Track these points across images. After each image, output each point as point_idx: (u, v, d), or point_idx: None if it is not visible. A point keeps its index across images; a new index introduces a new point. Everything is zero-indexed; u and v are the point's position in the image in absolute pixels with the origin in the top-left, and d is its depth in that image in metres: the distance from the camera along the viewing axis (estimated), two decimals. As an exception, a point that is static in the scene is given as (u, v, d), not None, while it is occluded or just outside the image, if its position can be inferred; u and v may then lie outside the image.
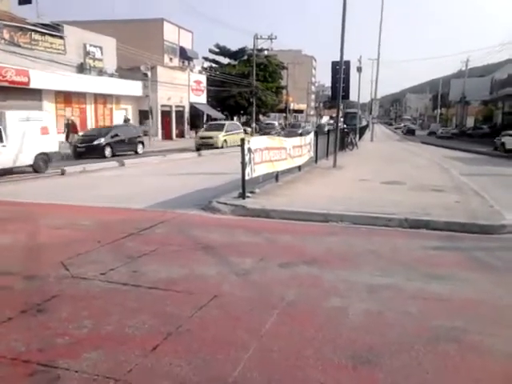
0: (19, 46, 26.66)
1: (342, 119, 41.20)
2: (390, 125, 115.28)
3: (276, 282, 4.56)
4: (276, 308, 3.89)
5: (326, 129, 30.86)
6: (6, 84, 23.99)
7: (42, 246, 5.77)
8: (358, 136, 31.03)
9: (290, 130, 37.75)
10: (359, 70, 39.51)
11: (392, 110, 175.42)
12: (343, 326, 3.61)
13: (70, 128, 24.86)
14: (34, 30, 28.39)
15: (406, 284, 4.55)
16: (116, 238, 6.02)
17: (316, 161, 14.54)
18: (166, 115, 38.77)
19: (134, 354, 3.12)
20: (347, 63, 14.11)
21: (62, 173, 13.60)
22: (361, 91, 40.66)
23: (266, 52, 54.40)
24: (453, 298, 4.22)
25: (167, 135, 38.34)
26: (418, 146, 35.36)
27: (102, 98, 33.48)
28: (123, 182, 12.29)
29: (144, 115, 35.20)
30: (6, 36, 26.35)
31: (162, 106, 38.43)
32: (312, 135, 13.84)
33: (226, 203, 7.82)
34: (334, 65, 13.73)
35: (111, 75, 34.55)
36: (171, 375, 2.89)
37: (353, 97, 22.55)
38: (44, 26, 29.45)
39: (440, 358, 3.15)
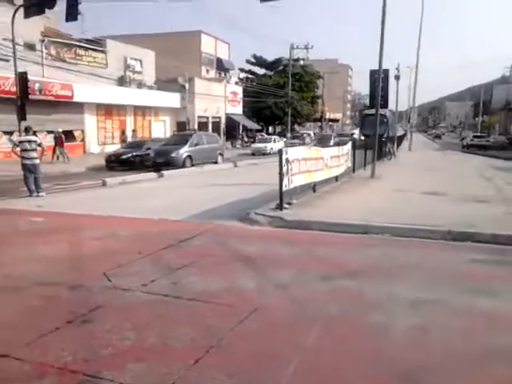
0: (64, 61, 27.77)
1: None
2: (425, 132, 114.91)
3: (316, 295, 4.50)
4: (317, 322, 3.83)
5: (332, 141, 30.52)
6: (51, 98, 25.00)
7: (85, 257, 5.92)
8: (395, 145, 30.44)
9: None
10: (397, 78, 38.85)
11: (430, 118, 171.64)
12: (387, 342, 3.52)
13: (58, 141, 23.55)
14: (78, 46, 29.53)
15: (451, 299, 4.39)
16: (156, 250, 6.11)
17: (354, 171, 14.37)
18: (202, 126, 39.37)
19: (176, 366, 3.14)
20: (386, 72, 13.94)
21: (103, 184, 13.98)
22: (398, 100, 39.81)
23: (301, 62, 54.53)
24: (501, 315, 4.04)
25: (204, 146, 38.81)
26: (458, 154, 34.40)
27: (141, 110, 34.37)
28: (161, 193, 12.50)
29: (181, 127, 35.84)
30: (53, 52, 27.50)
31: (199, 117, 39.06)
32: (349, 145, 13.69)
33: (263, 214, 7.81)
34: (373, 73, 13.59)
35: (150, 87, 35.45)
36: (213, 389, 2.88)
37: (390, 105, 23.20)
38: (88, 41, 30.60)
39: (489, 377, 3.01)
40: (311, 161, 9.73)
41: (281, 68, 55.20)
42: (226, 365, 3.17)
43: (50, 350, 3.40)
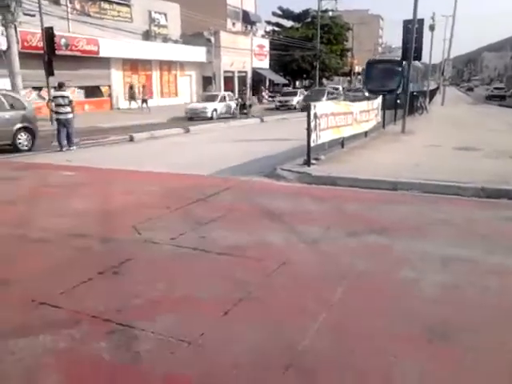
0: (89, 15, 27.48)
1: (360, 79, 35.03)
2: (458, 85, 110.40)
3: (345, 251, 4.47)
4: (345, 278, 3.82)
5: (326, 96, 27.30)
6: (78, 53, 24.95)
7: (114, 211, 6.01)
8: (427, 99, 29.37)
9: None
10: (432, 28, 36.98)
11: (466, 70, 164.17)
12: (417, 299, 3.48)
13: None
14: (103, 0, 29.07)
15: (484, 257, 4.29)
16: (184, 204, 6.15)
17: (384, 126, 13.99)
18: (228, 81, 38.80)
19: (206, 318, 3.19)
20: (420, 21, 13.21)
21: (131, 139, 14.07)
22: (432, 52, 38.02)
23: (330, 13, 52.49)
24: (537, 274, 3.94)
25: (230, 101, 38.41)
26: (494, 108, 33.06)
27: (166, 65, 34.01)
28: (188, 148, 12.51)
29: (207, 81, 35.41)
30: (78, 6, 27.19)
31: (225, 71, 38.44)
32: (380, 99, 13.26)
33: (290, 170, 7.73)
34: (406, 24, 12.91)
35: (175, 42, 34.91)
36: (242, 341, 2.93)
37: (423, 58, 21.48)
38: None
39: (524, 337, 2.96)
40: (340, 116, 9.48)
41: (309, 20, 53.23)
42: (253, 318, 3.21)
43: (84, 299, 3.51)
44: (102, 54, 26.91)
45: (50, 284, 3.78)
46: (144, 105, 26.87)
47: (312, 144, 7.98)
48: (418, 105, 22.22)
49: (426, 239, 4.80)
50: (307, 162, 7.96)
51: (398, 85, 24.28)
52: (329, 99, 24.16)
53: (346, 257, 4.30)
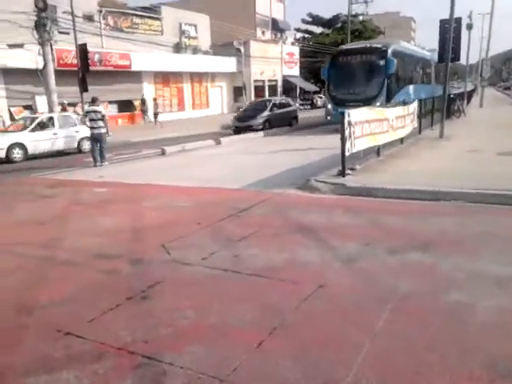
0: (122, 30, 28.03)
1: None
2: (494, 85, 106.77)
3: (386, 270, 4.15)
4: (388, 302, 3.50)
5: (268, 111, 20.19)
6: (111, 68, 25.43)
7: (144, 228, 5.88)
8: (465, 102, 28.27)
9: None
10: (469, 27, 35.74)
11: (504, 69, 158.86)
12: (471, 326, 3.14)
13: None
14: (134, 14, 29.65)
15: (543, 276, 3.88)
16: (215, 220, 5.96)
17: (420, 131, 13.48)
18: (259, 90, 38.80)
19: (238, 350, 2.95)
20: (458, 20, 12.65)
21: (163, 152, 14.07)
22: (469, 51, 36.80)
23: (361, 17, 51.82)
24: None
25: (261, 110, 38.38)
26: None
27: (197, 77, 34.30)
28: (220, 160, 12.37)
29: (238, 91, 35.48)
30: (111, 22, 27.80)
31: (255, 80, 38.47)
32: (415, 104, 12.78)
33: (324, 182, 7.44)
34: (443, 23, 12.40)
35: (206, 53, 35.20)
36: (279, 377, 2.67)
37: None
38: (143, 9, 30.66)
39: None
40: (375, 122, 9.12)
41: (339, 25, 52.74)
42: (290, 349, 2.94)
43: (111, 328, 3.34)
44: (134, 68, 27.36)
45: (77, 311, 3.63)
46: (156, 119, 26.68)
47: (347, 153, 7.66)
48: (456, 108, 21.40)
49: (474, 255, 4.42)
50: (342, 173, 7.65)
51: (380, 90, 16.48)
52: (272, 112, 20.40)
53: (387, 277, 3.98)
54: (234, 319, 3.37)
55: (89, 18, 25.91)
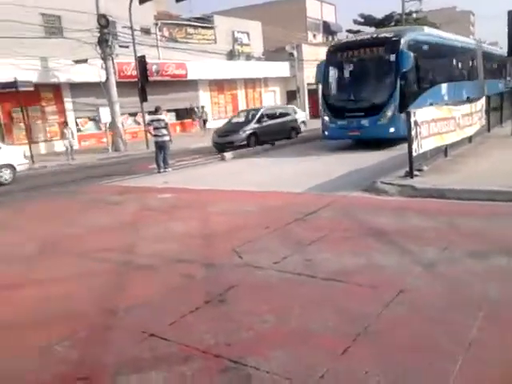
0: (177, 41, 28.81)
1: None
2: None
3: (469, 276, 3.93)
4: (480, 309, 3.31)
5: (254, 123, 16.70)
6: (168, 78, 26.12)
7: (212, 233, 5.94)
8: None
9: None
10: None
11: None
12: None
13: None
14: (188, 25, 30.40)
15: None
16: (282, 224, 5.93)
17: (489, 129, 12.83)
18: (312, 94, 38.46)
19: (323, 356, 2.89)
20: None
21: (222, 158, 14.27)
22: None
23: (414, 15, 50.32)
24: None
25: (314, 113, 38.05)
26: None
27: (251, 83, 34.55)
28: (278, 165, 12.35)
29: (291, 95, 35.42)
30: (166, 33, 28.65)
31: (308, 84, 38.16)
32: (483, 100, 12.18)
33: (391, 183, 7.22)
34: (511, 15, 11.73)
35: (258, 59, 35.44)
36: (368, 386, 2.59)
37: None
38: (196, 19, 31.38)
39: None
40: (441, 121, 8.76)
41: (392, 25, 51.48)
42: (378, 357, 2.84)
43: (192, 330, 3.38)
44: (189, 77, 27.95)
45: (158, 313, 3.71)
46: (205, 126, 26.90)
47: (414, 154, 7.41)
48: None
49: None
50: (410, 174, 7.40)
51: (390, 95, 12.39)
52: (260, 124, 16.87)
53: (473, 283, 3.77)
54: (314, 324, 3.31)
55: (146, 31, 26.81)
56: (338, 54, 13.78)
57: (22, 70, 17.92)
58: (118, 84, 20.37)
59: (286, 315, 3.50)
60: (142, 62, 20.24)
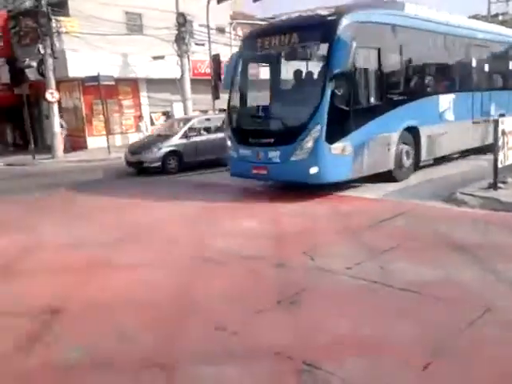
0: (250, 41, 29.11)
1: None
2: None
3: None
4: None
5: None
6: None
7: (284, 234, 5.89)
8: None
9: None
10: None
11: None
12: None
13: None
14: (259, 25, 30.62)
15: None
16: (355, 229, 5.79)
17: None
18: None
19: (403, 369, 2.77)
20: None
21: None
22: None
23: (500, 17, 47.58)
24: None
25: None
26: None
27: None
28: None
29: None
30: (240, 33, 29.04)
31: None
32: None
33: (473, 195, 6.82)
34: None
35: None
36: (453, 407, 2.44)
37: None
38: (270, 19, 31.54)
39: None
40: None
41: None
42: (464, 378, 2.68)
43: (265, 330, 3.37)
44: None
45: (231, 309, 3.73)
46: None
47: (499, 165, 6.96)
48: None
49: None
50: (493, 186, 6.95)
51: (313, 115, 7.31)
52: (187, 140, 12.38)
53: None
54: (391, 335, 3.19)
55: (221, 30, 27.33)
56: (252, 45, 8.67)
57: (104, 64, 18.88)
58: (192, 81, 20.91)
59: (361, 322, 3.39)
60: (216, 59, 20.63)
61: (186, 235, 6.10)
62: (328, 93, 7.19)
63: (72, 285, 4.43)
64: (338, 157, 7.44)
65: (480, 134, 10.86)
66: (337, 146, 7.41)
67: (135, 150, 12.93)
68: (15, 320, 3.74)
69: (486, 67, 11.33)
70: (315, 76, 8.12)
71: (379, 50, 8.02)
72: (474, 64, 10.86)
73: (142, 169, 12.47)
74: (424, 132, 9.14)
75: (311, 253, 4.95)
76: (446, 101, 9.84)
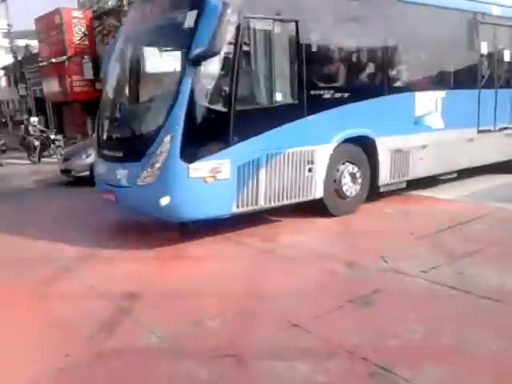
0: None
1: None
2: None
3: None
4: None
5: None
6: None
7: (355, 234, 5.78)
8: None
9: None
10: None
11: None
12: None
13: None
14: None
15: None
16: (431, 231, 5.55)
17: None
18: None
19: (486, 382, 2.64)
20: None
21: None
22: None
23: None
24: None
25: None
26: None
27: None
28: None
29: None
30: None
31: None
32: None
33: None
34: None
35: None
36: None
37: None
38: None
39: None
40: None
41: None
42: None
43: (337, 328, 3.35)
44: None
45: (302, 305, 3.73)
46: None
47: None
48: None
49: None
50: None
51: (166, 119, 4.97)
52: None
53: None
54: (472, 344, 3.04)
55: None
56: (127, 22, 6.93)
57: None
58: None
59: (438, 328, 3.27)
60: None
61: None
62: (187, 85, 4.86)
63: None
64: (204, 182, 5.01)
65: (493, 147, 8.08)
66: (200, 166, 4.95)
67: (66, 155, 11.24)
68: (100, 303, 3.98)
69: (503, 53, 8.13)
70: (177, 61, 5.50)
71: (297, 23, 5.49)
72: (481, 48, 7.67)
73: (73, 178, 10.45)
74: (385, 145, 6.49)
75: (384, 254, 4.83)
76: (428, 101, 6.99)
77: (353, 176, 6.32)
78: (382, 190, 6.81)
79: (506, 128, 8.14)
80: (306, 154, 5.75)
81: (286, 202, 5.73)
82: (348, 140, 6.15)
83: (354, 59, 6.67)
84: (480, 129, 7.79)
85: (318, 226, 6.14)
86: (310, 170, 5.81)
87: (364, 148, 6.39)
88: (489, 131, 7.92)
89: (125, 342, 3.28)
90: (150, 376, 2.86)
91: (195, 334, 3.34)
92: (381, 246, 5.08)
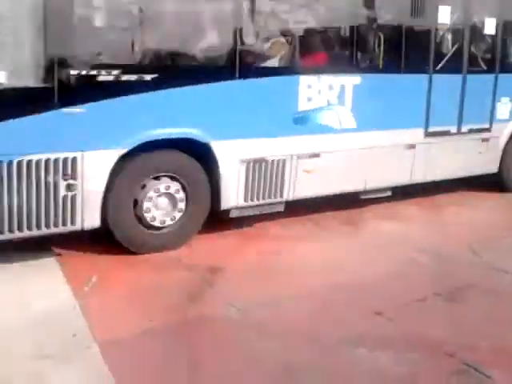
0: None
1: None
2: None
3: None
4: None
5: None
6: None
7: (446, 225, 5.44)
8: None
9: None
10: None
11: None
12: None
13: None
14: None
15: None
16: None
17: None
18: None
19: None
20: None
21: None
22: None
23: None
24: None
25: None
26: None
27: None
28: None
29: None
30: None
31: None
32: None
33: None
34: None
35: None
36: None
37: None
38: None
39: None
40: None
41: None
42: None
43: (420, 320, 3.23)
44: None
45: (387, 294, 3.59)
46: None
47: None
48: None
49: None
50: None
51: None
52: None
53: None
54: None
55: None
56: None
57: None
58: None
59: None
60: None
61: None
62: None
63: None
64: None
65: (456, 156, 5.88)
66: None
67: None
68: (185, 274, 4.09)
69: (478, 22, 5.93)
70: None
71: None
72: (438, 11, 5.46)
73: None
74: (231, 152, 4.47)
75: (477, 247, 4.53)
76: (325, 89, 4.87)
77: (170, 197, 4.33)
78: (233, 215, 4.72)
79: (480, 130, 6.08)
80: (59, 165, 3.77)
81: (29, 232, 3.77)
82: (164, 144, 4.17)
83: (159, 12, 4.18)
84: (430, 130, 5.66)
85: (407, 213, 5.82)
86: (68, 188, 3.87)
87: (198, 157, 4.37)
88: (446, 134, 5.80)
89: (206, 313, 3.36)
90: (228, 346, 2.91)
91: (272, 313, 3.32)
92: (474, 239, 4.76)
